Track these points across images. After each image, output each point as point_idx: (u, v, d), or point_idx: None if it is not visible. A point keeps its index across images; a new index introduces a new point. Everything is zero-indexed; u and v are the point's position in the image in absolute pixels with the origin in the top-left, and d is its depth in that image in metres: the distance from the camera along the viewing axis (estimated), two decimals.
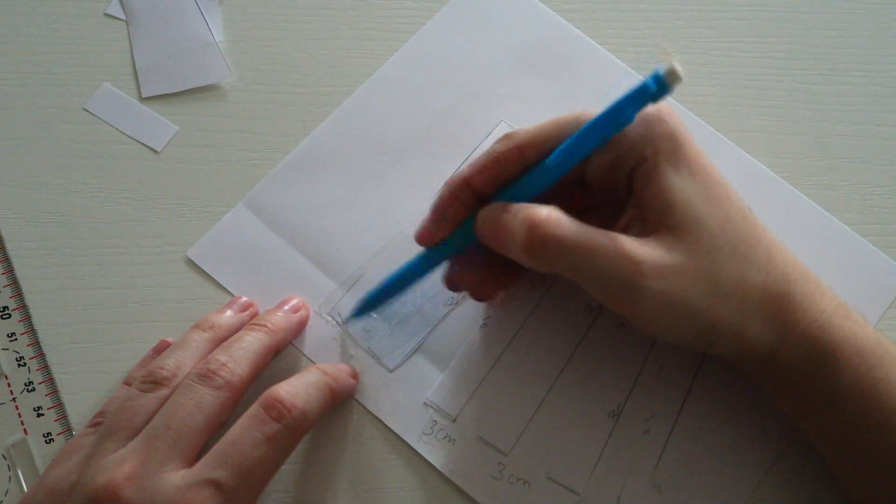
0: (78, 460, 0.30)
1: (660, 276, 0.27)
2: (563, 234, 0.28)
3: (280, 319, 0.34)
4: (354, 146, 0.38)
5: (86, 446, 0.30)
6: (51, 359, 0.35)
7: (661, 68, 0.27)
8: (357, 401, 0.34)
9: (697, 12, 0.41)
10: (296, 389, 0.30)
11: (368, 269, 0.36)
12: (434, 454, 0.33)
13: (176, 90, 0.39)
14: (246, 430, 0.29)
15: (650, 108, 0.29)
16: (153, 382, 0.30)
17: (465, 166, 0.31)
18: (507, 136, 0.31)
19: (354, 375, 0.34)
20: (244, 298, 0.35)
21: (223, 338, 0.33)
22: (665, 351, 0.34)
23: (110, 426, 0.30)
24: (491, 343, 0.33)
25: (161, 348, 0.34)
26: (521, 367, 0.34)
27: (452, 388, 0.34)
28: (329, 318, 0.35)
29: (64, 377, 0.34)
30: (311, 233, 0.37)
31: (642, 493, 0.32)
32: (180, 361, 0.31)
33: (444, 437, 0.33)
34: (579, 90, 0.39)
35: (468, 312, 0.35)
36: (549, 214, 0.28)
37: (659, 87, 0.27)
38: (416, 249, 0.31)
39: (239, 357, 0.31)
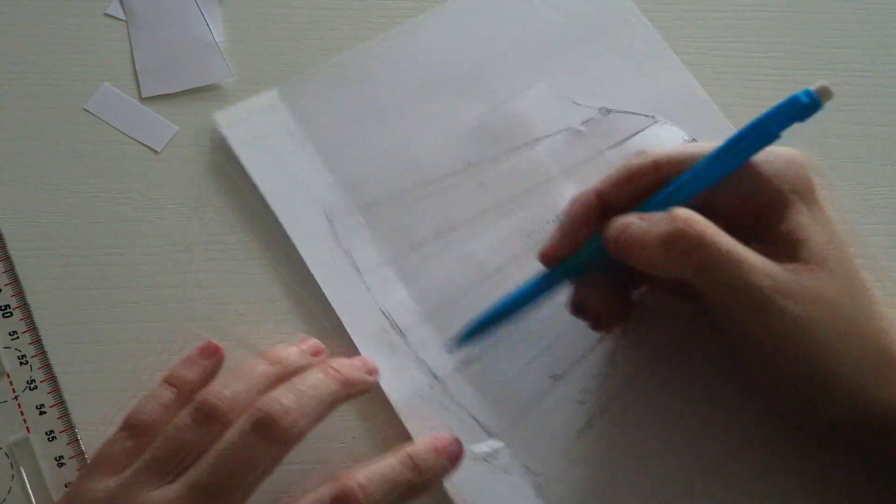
0: (116, 484, 0.29)
1: (797, 298, 0.27)
2: (710, 232, 0.27)
3: (354, 373, 0.31)
4: (398, 67, 0.39)
5: (121, 456, 0.29)
6: (52, 357, 0.35)
7: (813, 85, 0.27)
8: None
9: (697, 12, 0.41)
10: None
11: (372, 178, 0.37)
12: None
13: (176, 90, 0.39)
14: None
15: (789, 150, 0.29)
16: (207, 416, 0.29)
17: (597, 181, 0.31)
18: (643, 152, 0.30)
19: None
20: (314, 340, 0.34)
21: (286, 378, 0.30)
22: (620, 338, 0.34)
23: (156, 458, 0.28)
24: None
25: (207, 349, 0.33)
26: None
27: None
28: (320, 211, 0.36)
29: (65, 375, 0.35)
30: (330, 131, 0.38)
31: (557, 457, 0.33)
32: (238, 395, 0.29)
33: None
34: (624, 68, 0.39)
35: None
36: (693, 213, 0.28)
37: (810, 101, 0.27)
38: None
39: (304, 404, 0.29)
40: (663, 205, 0.29)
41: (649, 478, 0.33)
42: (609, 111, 0.38)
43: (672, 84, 0.39)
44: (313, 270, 0.36)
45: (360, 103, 0.39)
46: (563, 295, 0.33)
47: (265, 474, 0.28)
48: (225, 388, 0.30)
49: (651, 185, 0.30)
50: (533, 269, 0.34)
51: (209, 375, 0.33)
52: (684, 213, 0.28)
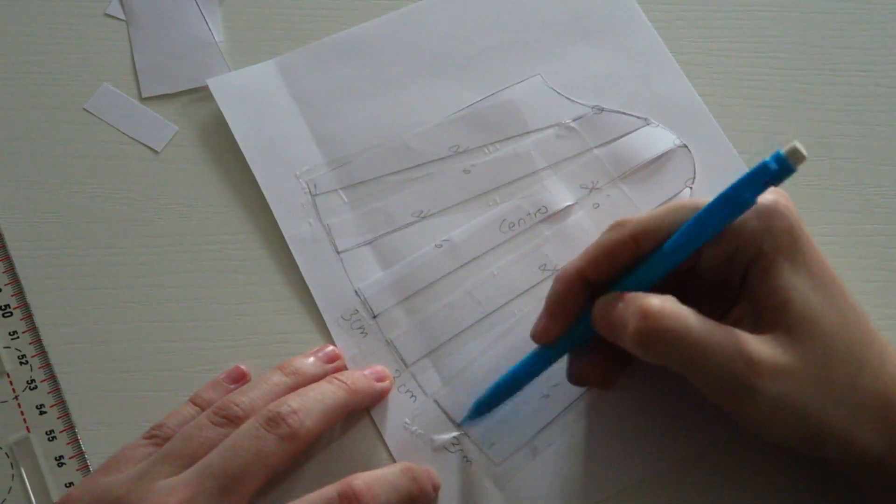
0: (131, 474, 0.29)
1: (775, 377, 0.27)
2: (677, 327, 0.27)
3: (362, 382, 0.33)
4: (396, 49, 0.40)
5: (140, 459, 0.30)
6: (52, 357, 0.35)
7: (783, 148, 0.26)
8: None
9: (697, 12, 0.41)
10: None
11: (358, 157, 0.38)
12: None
13: (176, 90, 0.39)
14: None
15: (769, 202, 0.28)
16: (225, 418, 0.30)
17: (577, 258, 0.30)
18: (619, 225, 0.30)
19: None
20: (331, 348, 0.34)
21: (302, 386, 0.32)
22: None
23: (172, 450, 0.30)
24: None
25: (234, 374, 0.34)
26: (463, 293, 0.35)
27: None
28: (304, 185, 0.37)
29: (65, 375, 0.35)
30: (323, 107, 0.39)
31: (517, 450, 0.33)
32: (255, 402, 0.31)
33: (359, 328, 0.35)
34: (622, 68, 0.39)
35: None
36: (662, 305, 0.27)
37: (780, 166, 0.26)
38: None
39: (311, 408, 0.30)
40: (645, 279, 0.29)
41: (611, 475, 0.32)
42: (602, 110, 0.38)
43: (668, 87, 0.39)
44: (291, 245, 0.36)
45: (354, 81, 0.39)
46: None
47: (272, 468, 0.29)
48: (242, 396, 0.31)
49: (631, 258, 0.30)
50: (510, 259, 0.35)
51: None
52: (654, 307, 0.27)
